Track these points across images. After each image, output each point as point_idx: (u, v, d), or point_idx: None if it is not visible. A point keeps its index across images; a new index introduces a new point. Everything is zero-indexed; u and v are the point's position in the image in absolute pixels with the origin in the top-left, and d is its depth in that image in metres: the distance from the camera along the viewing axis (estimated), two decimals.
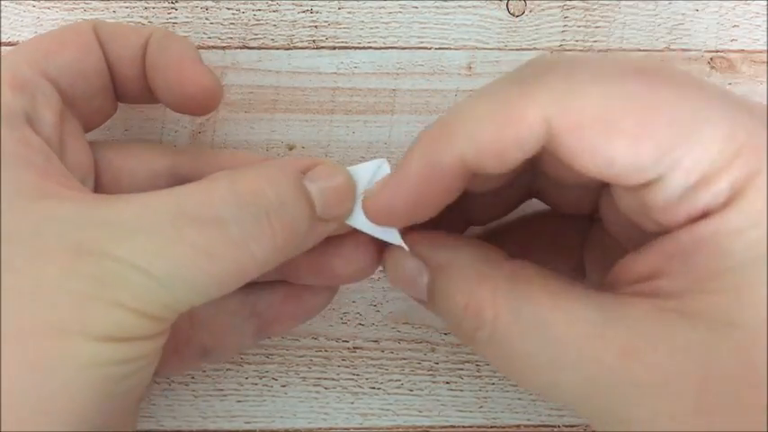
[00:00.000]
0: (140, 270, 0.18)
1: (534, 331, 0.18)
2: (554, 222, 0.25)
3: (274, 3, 0.28)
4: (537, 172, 0.22)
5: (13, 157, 0.19)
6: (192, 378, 0.27)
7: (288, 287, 0.24)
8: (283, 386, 0.28)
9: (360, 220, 0.21)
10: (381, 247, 0.23)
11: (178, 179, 0.23)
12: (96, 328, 0.17)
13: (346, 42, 0.28)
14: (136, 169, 0.23)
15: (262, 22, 0.28)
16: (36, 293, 0.17)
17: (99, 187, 0.23)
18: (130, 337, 0.18)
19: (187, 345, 0.24)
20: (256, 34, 0.28)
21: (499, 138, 0.18)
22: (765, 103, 0.28)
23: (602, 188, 0.21)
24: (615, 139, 0.17)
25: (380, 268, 0.28)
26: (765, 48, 0.29)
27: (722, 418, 0.16)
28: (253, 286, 0.24)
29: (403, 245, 0.21)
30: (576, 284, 0.19)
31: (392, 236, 0.21)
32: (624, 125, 0.17)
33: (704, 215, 0.17)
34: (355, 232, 0.22)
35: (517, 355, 0.19)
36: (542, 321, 0.18)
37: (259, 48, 0.28)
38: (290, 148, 0.28)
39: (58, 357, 0.17)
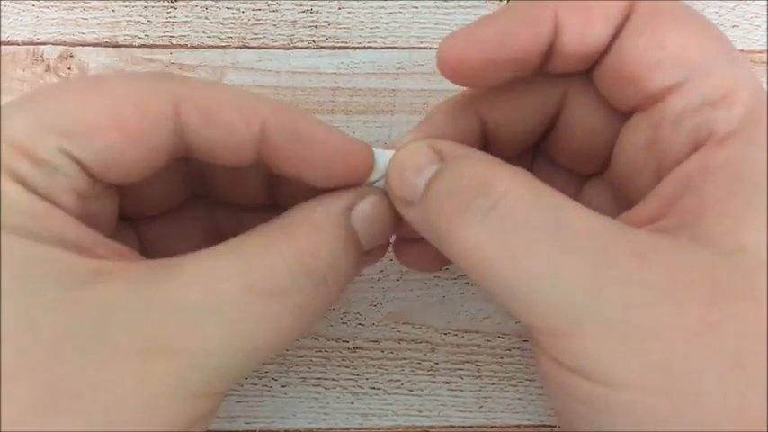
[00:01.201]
0: (213, 356, 0.17)
1: (548, 211, 0.17)
2: (551, 174, 0.24)
3: (274, 2, 0.28)
4: (560, 114, 0.22)
5: (41, 231, 0.17)
6: None
7: None
8: (283, 386, 0.27)
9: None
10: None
11: (193, 166, 0.22)
12: (177, 425, 0.17)
13: (346, 42, 0.28)
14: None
15: (262, 21, 0.28)
16: (114, 406, 0.16)
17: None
18: (200, 418, 0.18)
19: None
20: (256, 34, 0.28)
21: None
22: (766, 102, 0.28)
23: (620, 127, 0.21)
24: (674, 28, 0.18)
25: (379, 270, 0.28)
26: (765, 48, 0.29)
27: (730, 336, 0.15)
28: None
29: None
30: None
31: None
32: (686, 22, 0.19)
33: (707, 140, 0.18)
34: None
35: (520, 228, 0.17)
36: (558, 206, 0.17)
37: (259, 47, 0.28)
38: None
39: None
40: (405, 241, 0.24)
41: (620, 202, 0.22)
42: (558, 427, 0.28)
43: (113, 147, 0.18)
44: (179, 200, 0.23)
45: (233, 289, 0.17)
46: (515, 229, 0.17)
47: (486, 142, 0.23)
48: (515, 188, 0.17)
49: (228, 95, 0.19)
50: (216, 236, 0.24)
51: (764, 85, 0.29)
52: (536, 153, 0.24)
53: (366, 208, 0.20)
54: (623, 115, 0.21)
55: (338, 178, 0.20)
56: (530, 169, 0.24)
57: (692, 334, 0.15)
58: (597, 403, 0.16)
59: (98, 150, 0.18)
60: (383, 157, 0.21)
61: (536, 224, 0.17)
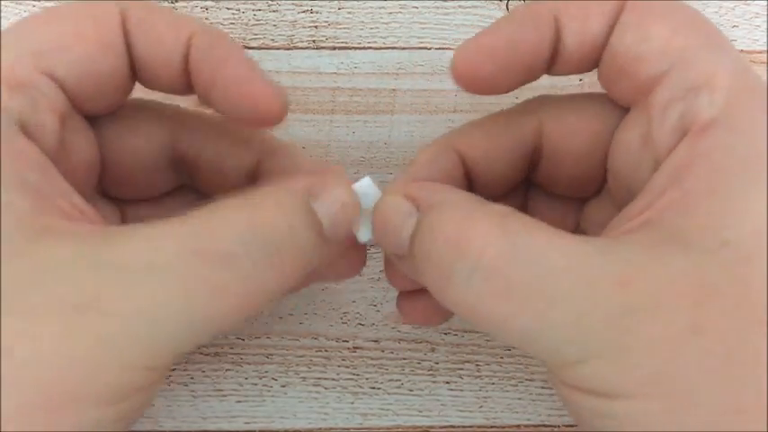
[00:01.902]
0: (149, 321, 0.17)
1: (528, 261, 0.17)
2: (548, 203, 0.25)
3: (274, 3, 0.28)
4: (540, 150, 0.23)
5: (8, 177, 0.17)
6: (192, 378, 0.27)
7: None
8: (283, 386, 0.27)
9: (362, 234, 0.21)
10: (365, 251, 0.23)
11: (179, 153, 0.23)
12: (102, 395, 0.17)
13: (346, 42, 0.28)
14: (137, 147, 0.22)
15: (262, 22, 0.28)
16: (36, 360, 0.16)
17: (103, 170, 0.22)
18: (137, 391, 0.18)
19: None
20: (256, 34, 0.28)
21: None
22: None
23: (606, 145, 0.22)
24: (661, 21, 0.19)
25: (379, 270, 0.28)
26: (765, 48, 0.29)
27: (718, 336, 0.16)
28: None
29: None
30: (567, 232, 0.18)
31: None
32: (672, 17, 0.19)
33: (692, 125, 0.18)
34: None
35: (504, 288, 0.17)
36: (537, 252, 0.17)
37: (259, 48, 0.28)
38: None
39: (61, 428, 0.16)
40: (408, 297, 0.24)
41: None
42: (559, 426, 0.28)
43: (82, 57, 0.19)
44: (165, 186, 0.24)
45: (177, 251, 0.17)
46: (500, 291, 0.17)
47: (471, 181, 0.23)
48: (490, 244, 0.17)
49: (162, 9, 0.21)
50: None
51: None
52: (530, 185, 0.25)
53: (328, 190, 0.20)
54: (605, 131, 0.21)
55: (245, 107, 0.20)
56: (523, 203, 0.25)
57: (681, 342, 0.16)
58: (606, 415, 0.17)
59: (70, 62, 0.19)
60: (369, 195, 0.21)
61: (518, 281, 0.17)
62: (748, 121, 0.18)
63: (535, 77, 0.21)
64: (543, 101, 0.23)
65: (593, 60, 0.20)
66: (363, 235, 0.21)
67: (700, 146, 0.18)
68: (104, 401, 0.17)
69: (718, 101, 0.18)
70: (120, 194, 0.23)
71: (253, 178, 0.23)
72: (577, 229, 0.24)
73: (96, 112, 0.22)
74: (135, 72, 0.21)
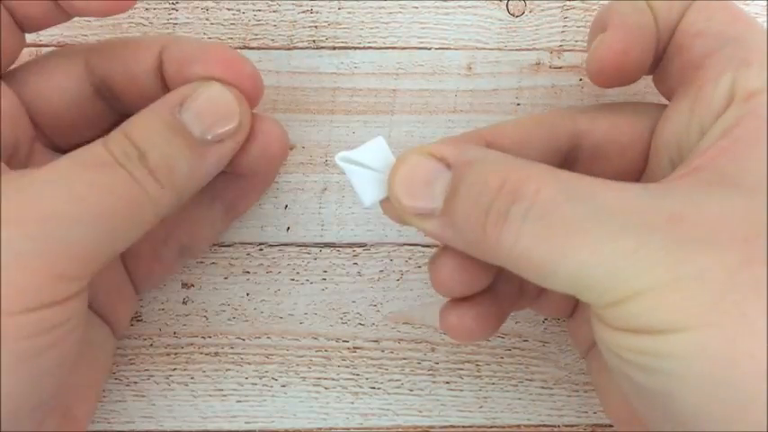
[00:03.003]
0: (47, 223, 0.19)
1: (583, 200, 0.18)
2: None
3: (274, 3, 0.28)
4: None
5: None
6: (192, 378, 0.27)
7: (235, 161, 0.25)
8: (283, 386, 0.27)
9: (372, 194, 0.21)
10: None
11: (98, 79, 0.24)
12: (8, 299, 0.18)
13: (346, 42, 0.28)
14: (59, 85, 0.23)
15: (262, 22, 0.28)
16: None
17: (37, 116, 0.23)
18: (53, 302, 0.19)
19: (165, 245, 0.25)
20: (256, 34, 0.28)
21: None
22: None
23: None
24: (718, 8, 0.21)
25: (379, 270, 0.28)
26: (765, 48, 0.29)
27: (765, 269, 0.16)
28: None
29: None
30: None
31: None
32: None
33: (745, 94, 0.19)
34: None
35: (560, 224, 0.17)
36: (592, 192, 0.18)
37: (259, 48, 0.28)
38: (290, 148, 0.28)
39: None
40: (455, 306, 0.23)
41: None
42: (559, 426, 0.27)
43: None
44: (103, 122, 0.25)
45: (67, 164, 0.20)
46: (557, 227, 0.18)
47: None
48: (545, 186, 0.18)
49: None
50: None
51: None
52: None
53: (195, 102, 0.21)
54: (643, 129, 0.22)
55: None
56: None
57: (734, 272, 0.16)
58: (658, 352, 0.17)
59: None
60: (361, 154, 0.21)
61: (575, 217, 0.17)
62: None
63: (649, 64, 0.22)
64: (576, 107, 0.24)
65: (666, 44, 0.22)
66: (368, 198, 0.21)
67: (747, 106, 0.18)
68: (13, 309, 0.18)
69: (765, 75, 0.19)
70: (66, 142, 0.24)
71: (163, 81, 0.23)
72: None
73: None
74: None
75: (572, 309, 0.26)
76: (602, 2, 0.29)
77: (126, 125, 0.21)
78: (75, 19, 0.28)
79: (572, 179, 0.18)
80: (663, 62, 0.22)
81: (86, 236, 0.19)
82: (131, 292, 0.26)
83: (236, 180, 0.25)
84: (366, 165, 0.21)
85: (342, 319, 0.28)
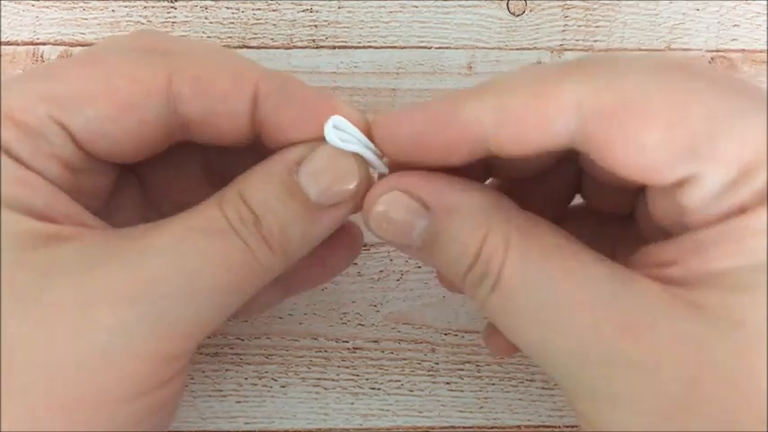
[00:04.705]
0: (156, 300, 0.17)
1: (539, 289, 0.17)
2: (591, 218, 0.24)
3: (274, 2, 0.28)
4: (580, 169, 0.22)
5: (7, 200, 0.17)
6: (192, 378, 0.27)
7: (312, 253, 0.23)
8: (283, 387, 0.27)
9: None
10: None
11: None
12: (121, 390, 0.17)
13: (346, 42, 0.28)
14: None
15: (261, 21, 0.28)
16: (47, 363, 0.16)
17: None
18: (161, 383, 0.18)
19: None
20: (256, 33, 0.28)
21: (525, 112, 0.17)
22: None
23: (639, 191, 0.20)
24: (649, 125, 0.16)
25: (379, 270, 0.28)
26: (766, 47, 0.29)
27: (708, 419, 0.16)
28: None
29: (384, 169, 0.20)
30: (589, 250, 0.18)
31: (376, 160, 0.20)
32: (659, 111, 0.16)
33: (740, 212, 0.16)
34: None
35: (516, 310, 0.18)
36: (549, 280, 0.17)
37: (258, 47, 0.28)
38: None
39: (86, 428, 0.16)
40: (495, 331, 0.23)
41: None
42: (559, 427, 0.27)
43: (103, 115, 0.18)
44: (168, 143, 0.23)
45: (174, 231, 0.18)
46: (514, 309, 0.18)
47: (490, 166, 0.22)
48: (508, 262, 0.18)
49: (220, 63, 0.20)
50: (214, 174, 0.24)
51: (765, 85, 0.28)
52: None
53: (313, 161, 0.19)
54: None
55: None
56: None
57: (670, 411, 0.16)
58: None
59: (87, 118, 0.18)
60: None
61: (529, 304, 0.18)
62: None
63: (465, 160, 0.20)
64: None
65: (548, 162, 0.21)
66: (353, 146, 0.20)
67: (733, 225, 0.16)
68: (125, 397, 0.17)
69: (759, 186, 0.16)
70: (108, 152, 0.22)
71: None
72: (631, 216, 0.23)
73: (114, 160, 0.20)
74: (182, 128, 0.20)
75: None
76: (602, 1, 0.29)
77: (242, 184, 0.19)
78: (73, 17, 0.28)
79: (536, 257, 0.18)
80: (607, 183, 0.20)
81: (197, 312, 0.18)
82: None
83: (305, 269, 0.24)
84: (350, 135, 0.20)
85: (342, 319, 0.28)
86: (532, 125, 0.17)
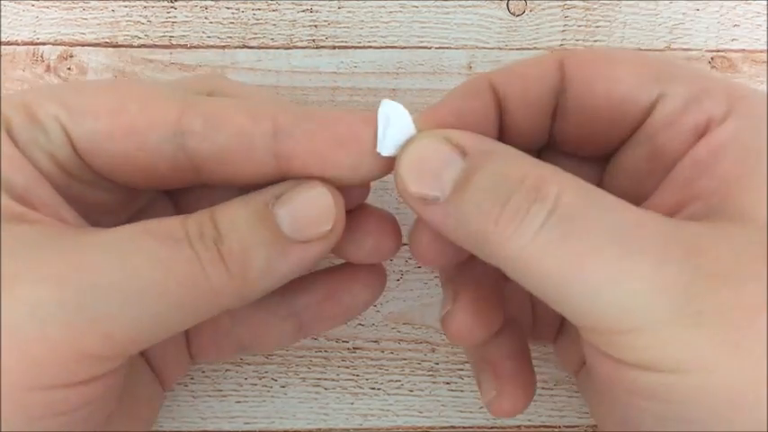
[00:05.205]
0: (97, 292, 0.17)
1: (605, 210, 0.17)
2: (569, 163, 0.23)
3: (274, 2, 0.28)
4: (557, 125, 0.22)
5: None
6: (191, 379, 0.27)
7: (326, 288, 0.23)
8: (283, 387, 0.27)
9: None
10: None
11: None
12: (19, 372, 0.16)
13: (346, 42, 0.28)
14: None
15: (261, 21, 0.28)
16: None
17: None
18: (67, 384, 0.17)
19: (226, 338, 0.24)
20: (256, 33, 0.28)
21: (525, 69, 0.21)
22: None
23: (601, 167, 0.22)
24: (619, 65, 0.20)
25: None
26: (766, 47, 0.29)
27: None
28: (291, 285, 0.22)
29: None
30: None
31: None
32: (627, 59, 0.20)
33: (709, 126, 0.19)
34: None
35: (582, 234, 0.17)
36: (614, 205, 0.17)
37: (258, 47, 0.28)
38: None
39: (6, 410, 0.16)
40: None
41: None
42: (559, 427, 0.27)
43: (102, 131, 0.19)
44: (181, 181, 0.22)
45: (131, 232, 0.18)
46: (579, 237, 0.17)
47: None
48: (568, 190, 0.17)
49: (235, 102, 0.19)
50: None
51: (765, 85, 0.28)
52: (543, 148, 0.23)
53: (291, 196, 0.19)
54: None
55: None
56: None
57: (756, 311, 0.16)
58: (668, 393, 0.16)
59: (88, 130, 0.19)
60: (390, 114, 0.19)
61: (597, 228, 0.17)
62: (757, 109, 0.19)
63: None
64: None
65: (542, 129, 0.21)
66: (386, 148, 0.19)
67: (722, 134, 0.18)
68: (22, 384, 0.16)
69: (721, 100, 0.19)
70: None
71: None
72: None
73: (116, 180, 0.20)
74: (196, 169, 0.20)
75: (556, 332, 0.25)
76: (602, 1, 0.29)
77: (215, 207, 0.19)
78: (73, 17, 0.28)
79: (593, 189, 0.18)
80: (579, 132, 0.21)
81: (127, 314, 0.17)
82: (187, 358, 0.25)
83: (318, 303, 0.23)
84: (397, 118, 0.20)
85: None
86: (533, 77, 0.21)
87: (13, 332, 0.16)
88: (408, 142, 0.19)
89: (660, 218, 0.17)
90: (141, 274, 0.17)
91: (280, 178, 0.20)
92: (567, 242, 0.17)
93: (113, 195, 0.21)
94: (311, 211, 0.19)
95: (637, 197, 0.19)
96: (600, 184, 0.22)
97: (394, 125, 0.19)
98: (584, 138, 0.21)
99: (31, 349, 0.16)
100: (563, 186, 0.17)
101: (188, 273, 0.18)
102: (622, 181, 0.21)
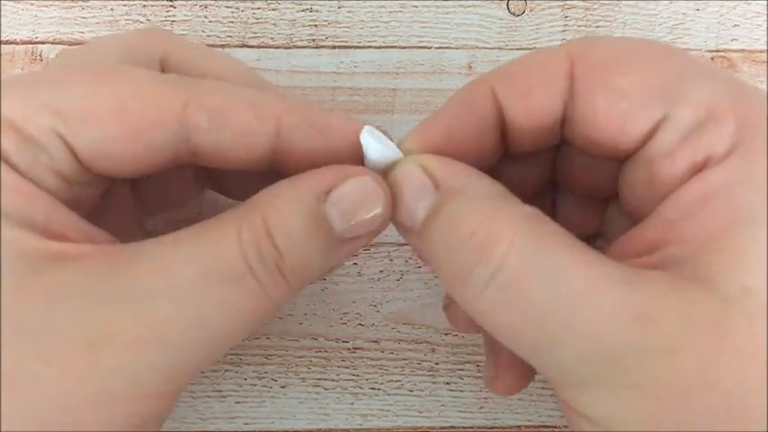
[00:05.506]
0: (167, 348, 0.17)
1: (549, 278, 0.16)
2: (573, 203, 0.23)
3: (274, 1, 0.28)
4: (562, 154, 0.22)
5: (9, 208, 0.17)
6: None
7: None
8: (283, 387, 0.27)
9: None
10: None
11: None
12: (127, 425, 0.17)
13: (346, 41, 0.28)
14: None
15: (261, 20, 0.28)
16: (57, 402, 0.16)
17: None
18: (154, 417, 0.18)
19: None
20: (255, 33, 0.28)
21: (529, 74, 0.19)
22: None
23: (620, 165, 0.20)
24: (625, 73, 0.18)
25: (379, 270, 0.28)
26: (766, 47, 0.29)
27: (727, 391, 0.16)
28: None
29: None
30: (592, 249, 0.18)
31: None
32: (636, 63, 0.18)
33: (707, 164, 0.17)
34: None
35: (519, 302, 0.17)
36: (560, 269, 0.17)
37: (258, 46, 0.28)
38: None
39: None
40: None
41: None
42: (559, 427, 0.27)
43: (109, 138, 0.18)
44: (193, 195, 0.23)
45: (189, 275, 0.17)
46: (516, 303, 0.17)
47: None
48: (515, 251, 0.17)
49: (240, 94, 0.19)
50: (201, 169, 0.23)
51: (765, 85, 0.29)
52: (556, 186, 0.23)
53: (344, 193, 0.19)
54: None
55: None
56: (552, 203, 0.24)
57: (688, 390, 0.16)
58: None
59: (92, 139, 0.17)
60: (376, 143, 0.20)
61: (535, 299, 0.17)
62: (763, 143, 0.17)
63: (493, 158, 0.20)
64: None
65: (551, 134, 0.20)
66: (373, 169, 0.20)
67: (714, 180, 0.17)
68: (131, 429, 0.17)
69: (727, 132, 0.17)
70: (149, 211, 0.23)
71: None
72: (600, 230, 0.23)
73: (113, 176, 0.20)
74: (192, 154, 0.19)
75: None
76: (602, 1, 0.29)
77: (267, 210, 0.18)
78: (72, 16, 0.28)
79: (545, 246, 0.17)
80: (583, 148, 0.20)
81: (203, 355, 0.18)
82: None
83: None
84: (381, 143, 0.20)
85: (341, 319, 0.28)
86: (537, 84, 0.19)
87: (113, 395, 0.17)
88: (390, 168, 0.20)
89: (617, 276, 0.17)
90: (216, 324, 0.17)
91: (270, 164, 0.20)
92: (508, 308, 0.17)
93: (101, 187, 0.20)
94: (363, 213, 0.19)
95: (642, 215, 0.19)
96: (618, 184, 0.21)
97: (378, 150, 0.20)
98: (592, 149, 0.20)
99: (133, 405, 0.17)
100: (512, 245, 0.17)
101: (255, 305, 0.18)
102: (628, 194, 0.20)
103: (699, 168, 0.17)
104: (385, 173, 0.20)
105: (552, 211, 0.24)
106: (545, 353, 0.17)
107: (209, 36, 0.28)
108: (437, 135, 0.20)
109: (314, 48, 0.28)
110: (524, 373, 0.23)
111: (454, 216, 0.18)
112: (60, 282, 0.16)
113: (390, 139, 0.20)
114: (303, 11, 0.28)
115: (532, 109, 0.19)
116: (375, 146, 0.19)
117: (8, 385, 0.16)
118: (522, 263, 0.17)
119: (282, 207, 0.18)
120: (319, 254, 0.18)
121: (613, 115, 0.18)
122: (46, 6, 0.28)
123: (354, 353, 0.28)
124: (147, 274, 0.17)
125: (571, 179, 0.23)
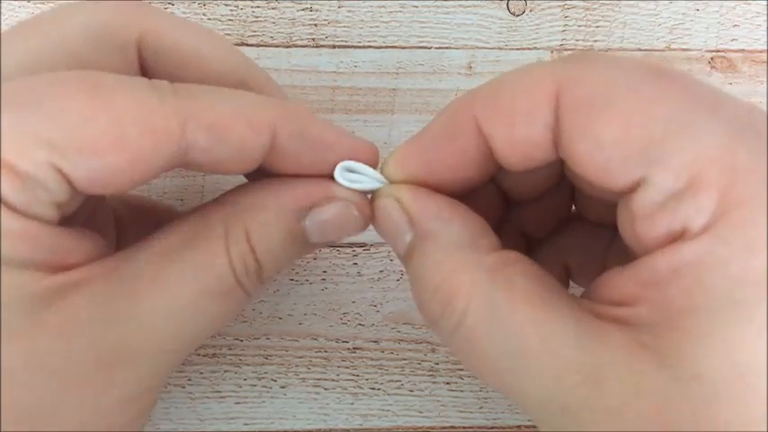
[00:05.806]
0: (168, 356, 0.19)
1: (503, 337, 0.17)
2: (585, 229, 0.23)
3: (273, 0, 0.28)
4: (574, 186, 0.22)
5: (11, 254, 0.17)
6: (189, 380, 0.27)
7: None
8: (282, 387, 0.27)
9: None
10: None
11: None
12: (126, 424, 0.19)
13: (346, 41, 0.28)
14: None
15: (260, 19, 0.28)
16: (79, 425, 0.18)
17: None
18: (148, 409, 0.20)
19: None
20: (255, 31, 0.28)
21: (513, 102, 0.18)
22: (766, 102, 0.28)
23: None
24: (608, 121, 0.16)
25: (379, 270, 0.28)
26: (766, 47, 0.29)
27: None
28: None
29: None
30: (562, 293, 0.18)
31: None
32: (621, 108, 0.16)
33: (683, 235, 0.16)
34: None
35: (479, 355, 0.18)
36: (514, 329, 0.17)
37: (258, 45, 0.28)
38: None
39: None
40: None
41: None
42: None
43: (108, 167, 0.17)
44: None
45: (188, 294, 0.19)
46: (479, 355, 0.18)
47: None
48: (472, 310, 0.18)
49: (236, 104, 0.19)
50: None
51: (764, 85, 0.29)
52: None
53: (325, 215, 0.20)
54: None
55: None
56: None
57: None
58: None
59: (92, 169, 0.17)
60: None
61: (493, 352, 0.18)
62: (746, 225, 0.15)
63: (486, 175, 0.20)
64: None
65: (543, 157, 0.18)
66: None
67: (688, 255, 0.16)
68: (133, 426, 0.19)
69: (706, 207, 0.16)
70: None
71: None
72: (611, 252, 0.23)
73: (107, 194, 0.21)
74: (185, 165, 0.19)
75: None
76: (602, 1, 0.29)
77: (250, 223, 0.19)
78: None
79: (503, 302, 0.18)
80: (576, 177, 0.20)
81: (188, 353, 0.20)
82: None
83: None
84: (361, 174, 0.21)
85: (341, 319, 0.28)
86: (521, 111, 0.18)
87: (123, 404, 0.19)
88: (372, 198, 0.21)
89: (568, 338, 0.17)
90: (206, 331, 0.20)
91: (258, 169, 0.20)
92: (472, 356, 0.18)
93: (89, 200, 0.20)
94: (340, 230, 0.20)
95: (633, 254, 0.18)
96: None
97: (359, 180, 0.20)
98: (584, 185, 0.20)
99: (138, 407, 0.19)
100: (470, 302, 0.18)
101: (239, 308, 0.20)
102: (621, 230, 0.19)
103: (676, 237, 0.16)
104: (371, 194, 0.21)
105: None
106: (508, 395, 0.18)
107: None
108: (418, 164, 0.20)
109: (314, 47, 0.28)
110: None
111: (421, 270, 0.19)
112: (70, 312, 0.18)
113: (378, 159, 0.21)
114: (303, 10, 0.28)
115: (517, 139, 0.18)
116: (351, 181, 0.20)
117: (34, 423, 0.17)
118: (479, 321, 0.18)
119: (265, 221, 0.20)
120: (293, 259, 0.21)
121: (596, 164, 0.17)
122: (43, 4, 0.28)
123: (354, 353, 0.27)
124: (148, 295, 0.18)
125: (577, 203, 0.23)
